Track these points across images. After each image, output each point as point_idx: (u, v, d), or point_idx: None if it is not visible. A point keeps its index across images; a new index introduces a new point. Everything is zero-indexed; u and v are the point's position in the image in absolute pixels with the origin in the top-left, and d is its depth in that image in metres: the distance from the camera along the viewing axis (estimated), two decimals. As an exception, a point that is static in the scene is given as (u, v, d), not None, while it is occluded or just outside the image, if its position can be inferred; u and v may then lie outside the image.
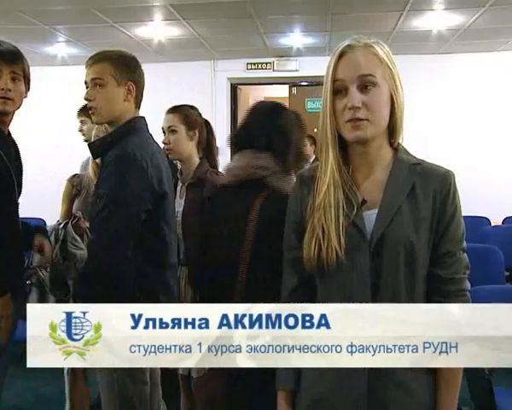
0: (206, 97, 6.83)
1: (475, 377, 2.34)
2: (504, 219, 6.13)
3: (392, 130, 1.30)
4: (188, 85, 6.93)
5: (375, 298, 1.22)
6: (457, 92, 6.66)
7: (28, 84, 2.03)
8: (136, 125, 2.00)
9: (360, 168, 1.30)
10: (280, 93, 8.01)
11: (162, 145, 2.57)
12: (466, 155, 6.62)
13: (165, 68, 7.08)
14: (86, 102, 1.99)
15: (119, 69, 1.94)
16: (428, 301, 1.27)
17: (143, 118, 2.05)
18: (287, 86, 7.16)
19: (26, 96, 2.03)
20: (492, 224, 5.99)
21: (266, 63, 6.93)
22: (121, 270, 1.84)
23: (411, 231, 1.22)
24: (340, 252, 1.22)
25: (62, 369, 2.81)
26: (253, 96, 8.72)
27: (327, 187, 1.26)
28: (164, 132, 2.63)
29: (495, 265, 3.85)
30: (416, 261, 1.23)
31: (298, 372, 1.34)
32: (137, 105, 2.04)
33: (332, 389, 1.27)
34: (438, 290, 1.26)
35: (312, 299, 1.33)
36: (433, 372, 1.26)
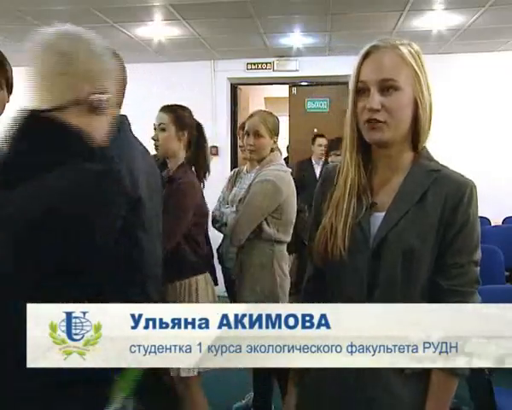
0: (206, 97, 6.83)
1: (475, 377, 2.34)
2: (504, 219, 6.14)
3: (417, 134, 1.28)
4: (188, 85, 6.93)
5: (370, 298, 1.23)
6: (457, 92, 6.66)
7: (11, 89, 1.99)
8: (116, 126, 1.95)
9: (379, 170, 1.30)
10: (280, 93, 8.01)
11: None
12: (466, 155, 6.62)
13: (165, 68, 7.08)
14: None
15: None
16: None
17: (125, 116, 1.94)
18: (287, 86, 7.16)
19: (8, 102, 1.99)
20: (492, 224, 5.99)
21: (266, 63, 6.92)
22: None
23: (414, 237, 1.21)
24: (343, 251, 1.24)
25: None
26: (253, 96, 8.72)
27: (343, 187, 1.28)
28: (155, 128, 2.72)
29: (495, 265, 3.85)
30: (415, 267, 1.22)
31: None
32: (120, 105, 1.98)
33: (328, 378, 1.30)
34: (439, 300, 1.23)
35: (325, 290, 1.36)
36: (425, 381, 1.24)
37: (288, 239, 2.74)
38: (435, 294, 1.24)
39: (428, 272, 1.23)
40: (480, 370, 2.22)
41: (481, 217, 6.10)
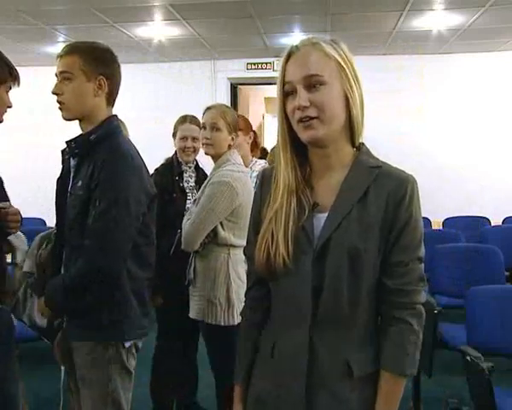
0: (207, 97, 6.83)
1: (475, 377, 2.34)
2: (504, 219, 6.13)
3: (351, 129, 1.25)
4: (188, 85, 6.93)
5: (316, 302, 1.20)
6: (457, 92, 6.66)
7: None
8: (118, 125, 1.94)
9: (318, 170, 1.27)
10: (280, 93, 8.00)
11: None
12: (466, 155, 6.62)
13: (166, 68, 7.09)
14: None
15: (88, 62, 1.83)
16: (378, 310, 1.25)
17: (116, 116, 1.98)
18: (287, 86, 7.16)
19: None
20: (492, 224, 5.99)
21: (266, 63, 6.93)
22: (121, 277, 1.81)
23: (359, 236, 1.18)
24: (286, 258, 1.20)
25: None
26: (253, 96, 8.73)
27: (281, 192, 1.25)
28: None
29: (495, 265, 3.85)
30: (361, 268, 1.18)
31: (250, 371, 1.35)
32: (110, 102, 1.92)
33: (273, 388, 1.27)
34: (386, 300, 1.22)
35: (269, 294, 1.32)
36: (373, 385, 1.23)
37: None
38: (382, 294, 1.22)
39: (374, 272, 1.21)
40: (480, 370, 2.22)
41: (481, 217, 6.11)
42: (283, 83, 1.23)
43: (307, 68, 1.19)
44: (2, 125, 1.95)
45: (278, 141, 1.27)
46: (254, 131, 3.35)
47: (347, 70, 1.21)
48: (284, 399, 1.24)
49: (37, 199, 6.23)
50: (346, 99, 1.21)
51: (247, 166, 3.00)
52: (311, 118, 1.18)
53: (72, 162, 1.90)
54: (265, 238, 1.24)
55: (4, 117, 1.95)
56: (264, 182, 1.34)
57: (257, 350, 1.34)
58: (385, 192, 1.21)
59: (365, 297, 1.21)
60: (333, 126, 1.21)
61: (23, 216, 2.08)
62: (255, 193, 1.39)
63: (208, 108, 2.65)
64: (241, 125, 3.00)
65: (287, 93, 1.22)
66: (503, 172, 6.60)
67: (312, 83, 1.19)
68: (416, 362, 1.23)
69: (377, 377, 1.23)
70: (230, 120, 2.59)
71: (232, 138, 2.59)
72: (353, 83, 1.22)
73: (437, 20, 5.28)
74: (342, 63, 1.21)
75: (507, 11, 4.94)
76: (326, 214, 1.22)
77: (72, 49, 1.86)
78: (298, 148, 1.26)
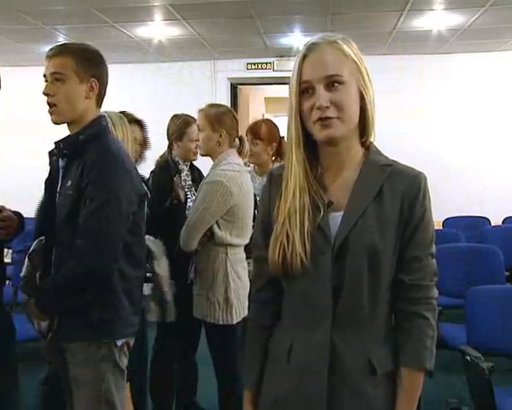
0: (206, 97, 6.83)
1: (475, 377, 2.34)
2: (504, 219, 6.13)
3: (364, 127, 1.25)
4: (188, 85, 6.93)
5: (336, 301, 1.20)
6: (457, 92, 6.66)
7: None
8: (106, 125, 1.93)
9: (330, 169, 1.27)
10: (280, 93, 8.01)
11: None
12: (466, 155, 6.62)
13: (166, 68, 7.09)
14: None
15: (81, 64, 1.81)
16: (393, 306, 1.25)
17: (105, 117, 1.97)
18: (287, 86, 7.13)
19: None
20: (492, 224, 5.99)
21: (266, 63, 6.93)
22: (112, 276, 1.80)
23: (376, 234, 1.19)
24: (304, 258, 1.19)
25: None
26: (253, 96, 8.72)
27: (292, 191, 1.23)
28: None
29: (495, 265, 3.85)
30: (379, 265, 1.19)
31: (260, 375, 1.33)
32: (99, 103, 1.91)
33: (291, 391, 1.25)
34: (402, 296, 1.23)
35: (280, 296, 1.31)
36: (394, 382, 1.23)
37: (245, 242, 2.57)
38: (398, 290, 1.23)
39: (391, 270, 1.22)
40: (480, 370, 2.22)
41: (481, 217, 6.10)
42: (300, 81, 1.22)
43: (326, 68, 1.18)
44: (1, 125, 1.95)
45: (290, 140, 1.25)
46: (281, 140, 3.11)
47: (362, 68, 1.22)
48: (303, 400, 1.23)
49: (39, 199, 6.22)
50: (361, 97, 1.22)
51: (265, 173, 2.98)
52: (330, 118, 1.18)
53: (61, 163, 1.90)
54: (280, 239, 1.22)
55: (4, 117, 1.95)
56: (272, 182, 1.33)
57: (267, 353, 1.33)
58: (399, 191, 1.21)
59: (384, 295, 1.22)
60: (350, 125, 1.21)
61: (25, 216, 2.08)
62: (263, 194, 1.37)
63: (199, 111, 2.65)
64: (262, 135, 3.01)
65: (302, 91, 1.22)
66: (504, 172, 6.60)
67: (332, 82, 1.18)
68: (433, 356, 1.24)
69: (397, 374, 1.23)
70: (212, 117, 2.55)
71: (220, 135, 2.55)
72: (367, 80, 1.23)
73: (437, 20, 5.28)
74: (358, 61, 1.22)
75: (507, 11, 4.94)
76: (341, 213, 1.22)
77: (63, 50, 1.83)
78: (308, 147, 1.25)
